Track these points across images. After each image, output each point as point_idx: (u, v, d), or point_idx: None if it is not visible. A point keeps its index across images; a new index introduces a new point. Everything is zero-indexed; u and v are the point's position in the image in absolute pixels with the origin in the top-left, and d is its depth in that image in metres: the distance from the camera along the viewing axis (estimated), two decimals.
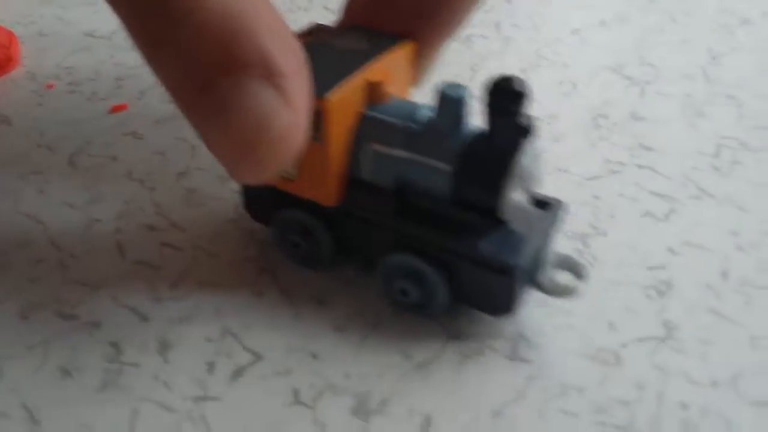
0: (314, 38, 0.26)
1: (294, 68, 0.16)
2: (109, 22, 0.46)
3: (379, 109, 0.24)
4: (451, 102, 0.23)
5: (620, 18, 0.47)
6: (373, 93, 0.24)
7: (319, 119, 0.22)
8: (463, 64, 0.42)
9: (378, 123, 0.24)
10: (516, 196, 0.23)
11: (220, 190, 0.31)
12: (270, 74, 0.15)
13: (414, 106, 0.24)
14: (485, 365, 0.24)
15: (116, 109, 0.37)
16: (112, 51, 0.42)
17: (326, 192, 0.24)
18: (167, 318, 0.25)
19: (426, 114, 0.24)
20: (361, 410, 0.22)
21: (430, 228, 0.24)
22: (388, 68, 0.25)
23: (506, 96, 0.22)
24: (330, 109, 0.22)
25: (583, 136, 0.35)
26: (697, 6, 0.49)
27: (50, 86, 0.39)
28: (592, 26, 0.46)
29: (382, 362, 0.24)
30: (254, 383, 0.23)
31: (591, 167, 0.33)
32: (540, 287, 0.24)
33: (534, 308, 0.26)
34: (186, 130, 0.35)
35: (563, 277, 0.26)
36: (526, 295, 0.25)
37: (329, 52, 0.24)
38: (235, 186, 0.31)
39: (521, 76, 0.41)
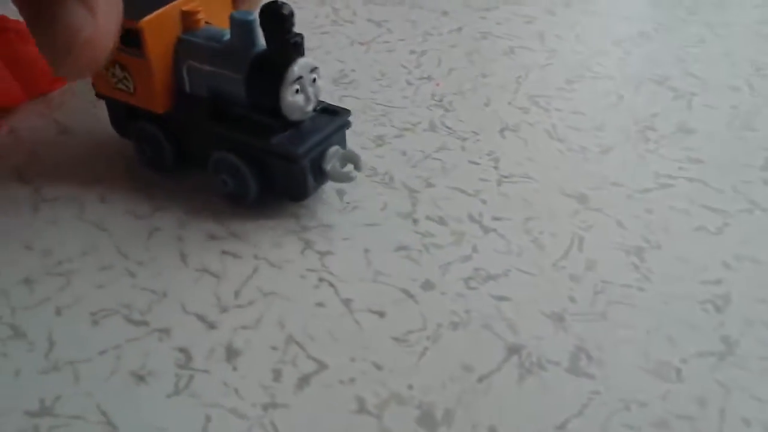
0: None
1: None
2: None
3: (193, 34, 0.30)
4: (241, 25, 0.28)
5: (660, 29, 0.47)
6: (188, 20, 0.30)
7: (139, 39, 0.29)
8: (508, 76, 0.42)
9: (189, 44, 0.30)
10: (291, 98, 0.28)
11: (277, 201, 0.32)
12: None
13: (221, 32, 0.30)
14: (546, 379, 0.24)
15: None
16: None
17: (156, 101, 0.30)
18: (233, 326, 0.26)
19: (223, 37, 0.30)
20: (427, 421, 0.23)
21: (237, 129, 0.30)
22: (204, 1, 0.30)
23: (276, 18, 0.27)
24: (145, 30, 0.28)
25: (632, 149, 0.36)
26: (736, 17, 0.49)
27: None
28: (633, 38, 0.46)
29: (443, 374, 0.24)
30: (320, 391, 0.24)
31: (642, 181, 0.33)
32: (326, 175, 0.30)
33: (592, 322, 0.26)
34: None
35: (347, 168, 0.31)
36: (319, 184, 0.31)
37: None
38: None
39: (567, 88, 0.41)
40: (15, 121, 0.37)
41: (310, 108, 0.29)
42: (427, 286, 0.28)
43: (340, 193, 0.33)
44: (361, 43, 0.47)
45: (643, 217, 0.31)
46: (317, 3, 0.51)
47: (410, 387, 0.24)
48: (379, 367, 0.24)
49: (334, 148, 0.30)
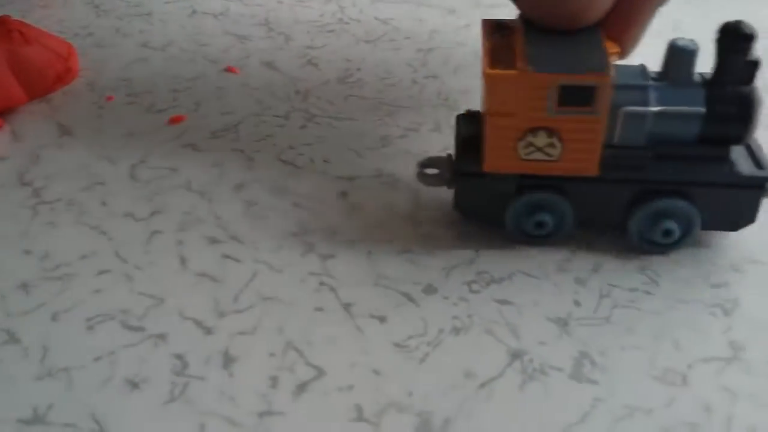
0: None
1: None
2: (164, 34, 0.46)
3: (616, 75, 0.27)
4: (688, 55, 0.26)
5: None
6: None
7: (596, 93, 0.25)
8: None
9: (624, 87, 0.26)
10: (757, 122, 0.26)
11: (279, 203, 0.31)
12: None
13: (631, 69, 0.27)
14: (549, 385, 0.24)
15: (174, 121, 0.37)
16: (166, 63, 0.43)
17: (593, 163, 0.27)
18: (230, 331, 0.25)
19: (646, 72, 0.27)
20: (425, 429, 0.22)
21: (687, 169, 0.27)
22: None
23: (741, 38, 0.25)
24: (608, 82, 0.25)
25: None
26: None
27: (110, 98, 0.39)
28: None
29: (444, 381, 0.24)
30: (317, 398, 0.23)
31: None
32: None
33: (597, 326, 0.26)
34: (242, 142, 0.36)
35: None
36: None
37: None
38: (292, 200, 0.32)
39: None
40: (16, 122, 0.37)
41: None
42: (430, 290, 0.27)
43: (344, 195, 0.32)
44: (366, 42, 0.46)
45: None
46: (324, 1, 0.50)
47: (410, 394, 0.23)
48: (378, 374, 0.24)
49: None
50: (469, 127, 0.29)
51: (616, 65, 0.27)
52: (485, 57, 0.26)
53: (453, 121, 0.38)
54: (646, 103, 0.26)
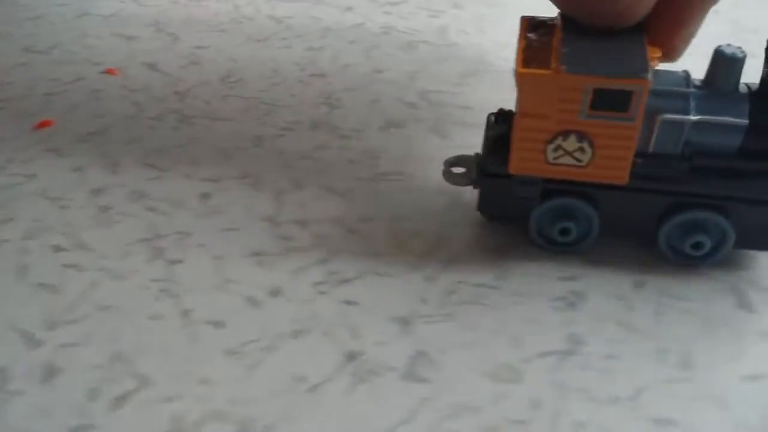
0: None
1: None
2: (50, 37, 0.45)
3: (656, 80, 0.25)
4: (734, 63, 0.25)
5: None
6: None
7: (632, 99, 0.24)
8: (403, 71, 0.41)
9: (663, 93, 0.25)
10: None
11: (134, 208, 0.30)
12: None
13: (673, 75, 0.26)
14: (380, 386, 0.23)
15: (41, 126, 0.36)
16: (48, 66, 0.42)
17: (623, 171, 0.25)
18: (59, 343, 0.25)
19: (689, 79, 0.25)
20: None
21: (719, 182, 0.25)
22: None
23: None
24: (645, 87, 0.23)
25: None
26: None
27: None
28: None
29: (273, 386, 0.23)
30: (136, 411, 0.22)
31: None
32: None
33: (440, 323, 0.25)
34: (110, 146, 0.35)
35: None
36: None
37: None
38: (149, 204, 0.31)
39: (461, 82, 0.40)
40: None
41: None
42: (275, 292, 0.27)
43: (205, 198, 0.31)
44: (258, 41, 0.45)
45: None
46: (220, 0, 0.50)
47: (233, 402, 0.23)
48: (205, 383, 0.23)
49: None
50: (499, 126, 0.27)
51: (657, 70, 0.25)
52: (519, 55, 0.25)
53: (333, 120, 0.37)
54: (685, 111, 0.25)
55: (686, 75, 0.26)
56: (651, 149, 0.26)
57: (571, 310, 0.26)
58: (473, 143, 0.34)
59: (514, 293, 0.26)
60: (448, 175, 0.29)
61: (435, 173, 0.33)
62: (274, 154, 0.34)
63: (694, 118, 0.25)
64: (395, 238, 0.29)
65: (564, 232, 0.27)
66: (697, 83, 0.26)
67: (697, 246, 0.26)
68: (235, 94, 0.40)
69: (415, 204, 0.31)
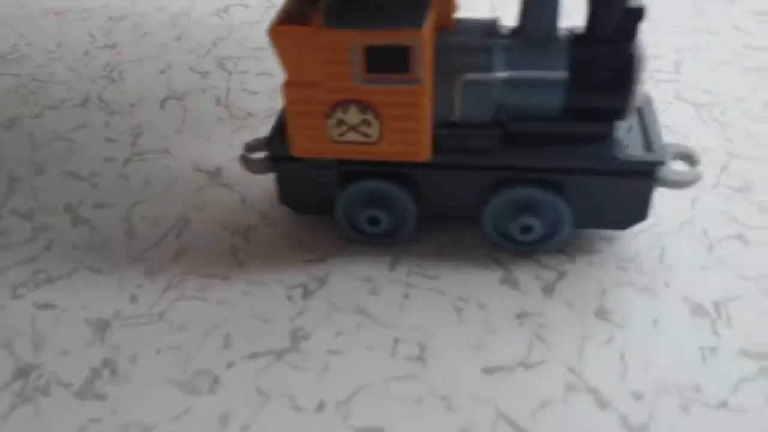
0: None
1: None
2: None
3: (451, 34, 0.20)
4: (542, 2, 0.20)
5: None
6: (442, 16, 0.21)
7: (411, 56, 0.19)
8: (207, 38, 0.37)
9: (462, 49, 0.20)
10: (640, 88, 0.20)
11: None
12: None
13: (475, 23, 0.21)
14: (44, 407, 0.19)
15: None
16: None
17: (423, 145, 0.21)
18: None
19: (495, 28, 0.21)
20: None
21: (544, 151, 0.21)
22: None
23: None
24: (423, 43, 0.19)
25: None
26: None
27: None
28: None
29: None
30: None
31: None
32: (662, 183, 0.21)
33: (144, 326, 0.21)
34: None
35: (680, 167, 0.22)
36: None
37: None
38: None
39: (266, 47, 0.36)
40: None
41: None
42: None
43: None
44: (55, 14, 0.41)
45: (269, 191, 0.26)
46: None
47: None
48: None
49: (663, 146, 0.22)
50: None
51: (460, 19, 0.21)
52: (278, 12, 0.20)
53: (108, 95, 0.33)
54: (490, 68, 0.20)
55: (492, 23, 0.21)
56: (457, 117, 0.21)
57: (307, 298, 0.22)
58: (253, 111, 0.31)
59: (248, 282, 0.22)
60: (245, 161, 0.24)
61: (200, 147, 0.29)
62: (23, 137, 0.30)
63: (501, 75, 0.20)
64: (128, 226, 0.25)
65: (373, 221, 0.23)
66: (506, 32, 0.21)
67: (525, 230, 0.22)
68: (9, 71, 0.35)
69: (165, 186, 0.27)
